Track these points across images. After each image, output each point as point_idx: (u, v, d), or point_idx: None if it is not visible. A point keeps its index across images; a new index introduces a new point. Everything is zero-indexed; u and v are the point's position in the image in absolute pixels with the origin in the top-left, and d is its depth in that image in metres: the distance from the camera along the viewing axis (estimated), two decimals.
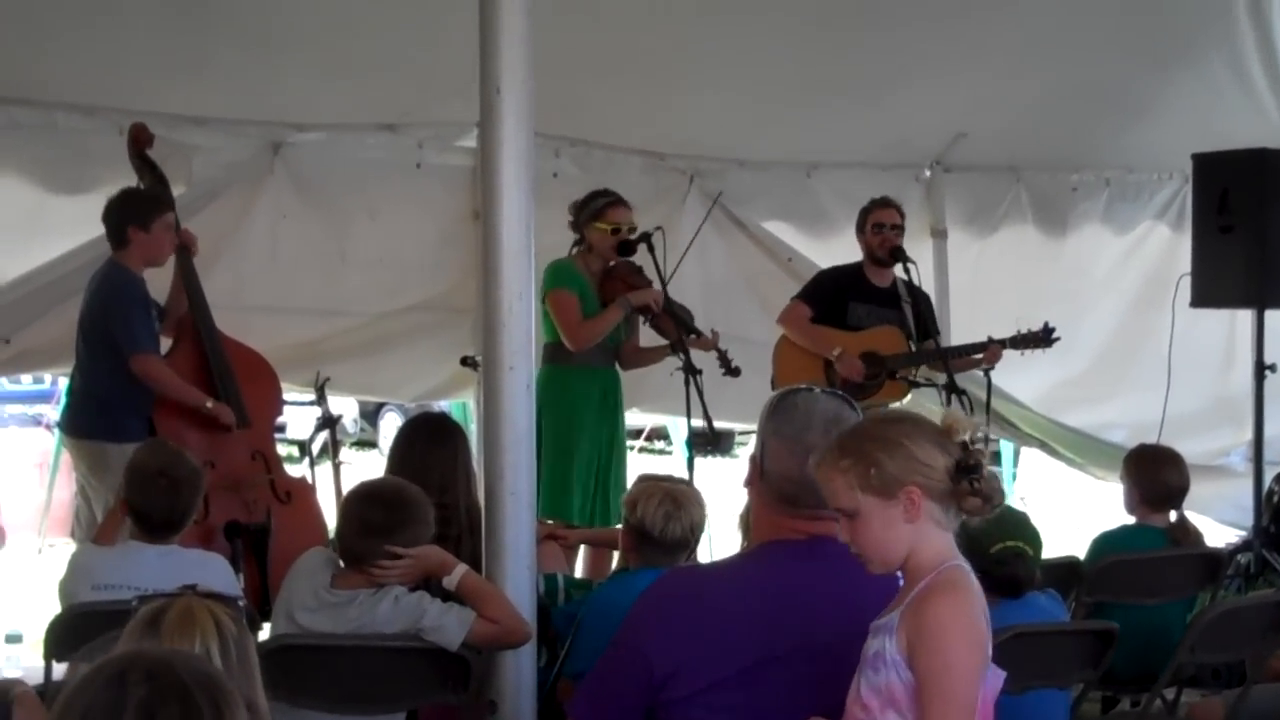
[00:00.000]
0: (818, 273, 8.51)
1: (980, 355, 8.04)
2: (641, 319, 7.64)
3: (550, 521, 7.06)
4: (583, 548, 7.39)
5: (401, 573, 4.58)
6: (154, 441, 5.97)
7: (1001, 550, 4.60)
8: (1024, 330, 8.02)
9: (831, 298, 8.17)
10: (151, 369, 6.69)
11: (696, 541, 5.08)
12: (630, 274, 7.59)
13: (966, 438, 3.21)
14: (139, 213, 6.74)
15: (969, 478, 3.19)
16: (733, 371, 7.50)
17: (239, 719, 2.20)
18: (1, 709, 4.25)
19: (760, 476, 3.57)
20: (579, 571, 7.31)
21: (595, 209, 7.53)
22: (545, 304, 7.28)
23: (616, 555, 6.41)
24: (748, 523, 4.67)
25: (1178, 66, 8.60)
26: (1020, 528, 4.73)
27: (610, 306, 7.48)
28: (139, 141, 6.92)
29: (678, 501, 4.92)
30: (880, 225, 8.13)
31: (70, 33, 6.64)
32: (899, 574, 3.25)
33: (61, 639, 4.69)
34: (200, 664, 2.27)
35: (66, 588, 5.01)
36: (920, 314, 8.19)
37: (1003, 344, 8.01)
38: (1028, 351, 8.07)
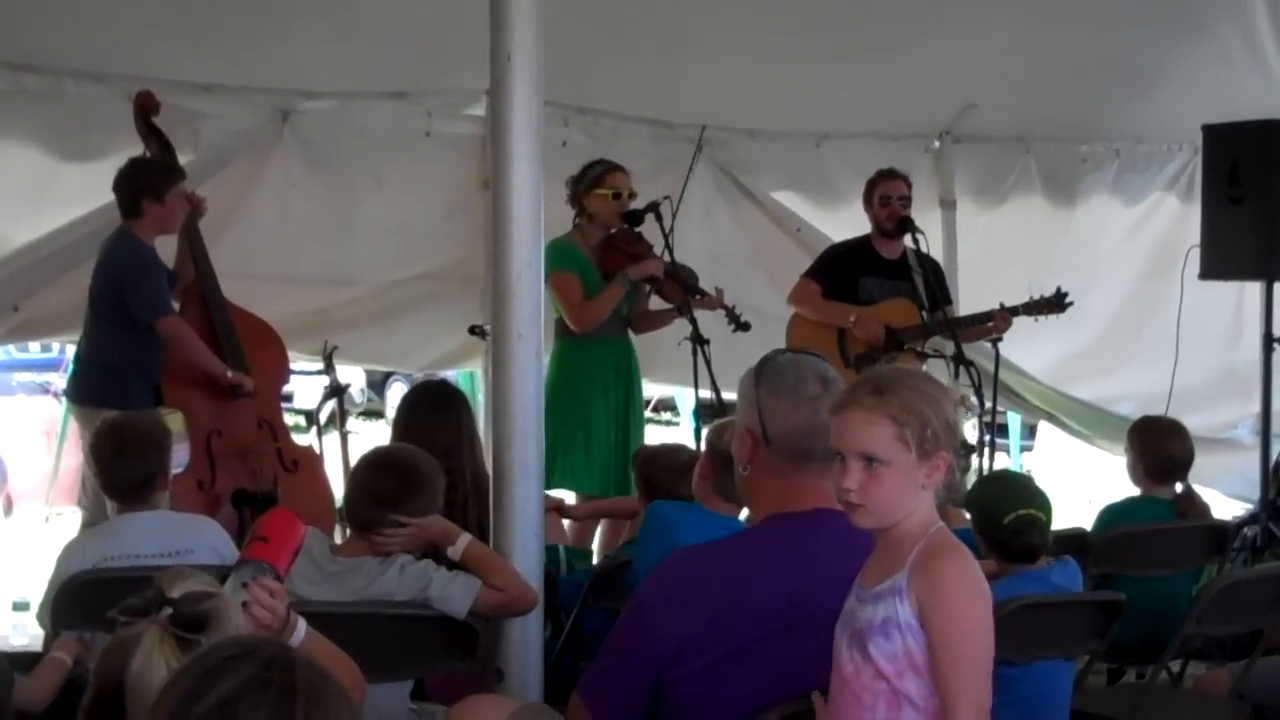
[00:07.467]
0: (826, 249, 8.47)
1: (991, 323, 8.00)
2: (646, 287, 7.63)
3: (554, 495, 7.07)
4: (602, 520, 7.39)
5: (404, 541, 4.58)
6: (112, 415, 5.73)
7: (1015, 520, 4.63)
8: (1036, 296, 8.00)
9: (841, 273, 8.15)
10: (180, 330, 6.73)
11: None
12: (629, 242, 7.57)
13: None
14: (153, 185, 6.73)
15: (965, 457, 3.19)
16: (742, 326, 7.51)
17: None
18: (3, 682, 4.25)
19: (764, 444, 3.54)
20: (596, 543, 7.35)
21: (594, 176, 7.54)
22: (548, 285, 7.27)
23: (629, 526, 6.43)
24: None
25: (1188, 37, 8.56)
26: (1031, 495, 4.76)
27: (611, 284, 7.48)
28: (145, 109, 6.90)
29: None
30: (888, 197, 8.12)
31: None
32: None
33: (65, 609, 4.64)
34: (327, 692, 2.19)
35: (62, 577, 4.75)
36: (931, 283, 8.18)
37: (1014, 311, 7.96)
38: (1041, 319, 8.02)
